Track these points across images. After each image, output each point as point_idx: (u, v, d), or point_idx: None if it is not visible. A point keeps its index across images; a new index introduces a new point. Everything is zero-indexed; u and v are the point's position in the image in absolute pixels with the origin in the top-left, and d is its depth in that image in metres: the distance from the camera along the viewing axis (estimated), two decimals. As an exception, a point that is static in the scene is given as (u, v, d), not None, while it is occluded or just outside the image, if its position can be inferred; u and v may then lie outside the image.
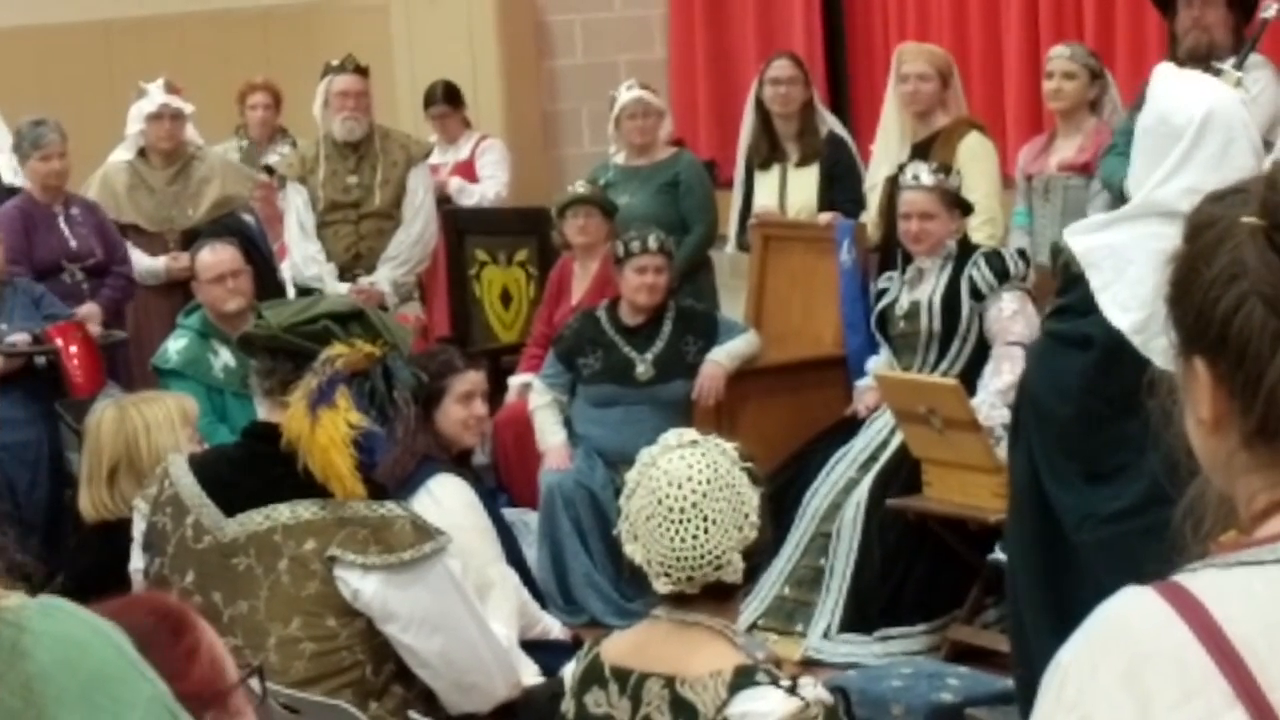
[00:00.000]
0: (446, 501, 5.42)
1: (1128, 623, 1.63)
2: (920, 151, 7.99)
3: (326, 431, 3.96)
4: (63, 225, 8.73)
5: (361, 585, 4.01)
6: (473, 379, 5.80)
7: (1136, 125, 5.00)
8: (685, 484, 3.31)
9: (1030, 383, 5.34)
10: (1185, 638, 1.59)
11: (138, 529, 4.27)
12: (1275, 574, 1.62)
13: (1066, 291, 5.18)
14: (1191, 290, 1.68)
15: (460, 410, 5.70)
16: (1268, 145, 6.92)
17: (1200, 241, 1.69)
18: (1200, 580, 1.63)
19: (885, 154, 8.29)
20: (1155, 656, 1.59)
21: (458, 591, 4.14)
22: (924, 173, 7.39)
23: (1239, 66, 7.17)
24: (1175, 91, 4.99)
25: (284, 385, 4.09)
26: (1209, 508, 1.73)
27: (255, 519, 4.07)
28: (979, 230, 7.67)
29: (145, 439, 5.14)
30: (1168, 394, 1.74)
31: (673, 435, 3.39)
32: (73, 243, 8.70)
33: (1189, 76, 5.21)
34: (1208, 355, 1.67)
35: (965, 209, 7.45)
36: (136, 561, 4.28)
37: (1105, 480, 5.00)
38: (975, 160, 7.89)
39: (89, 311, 8.50)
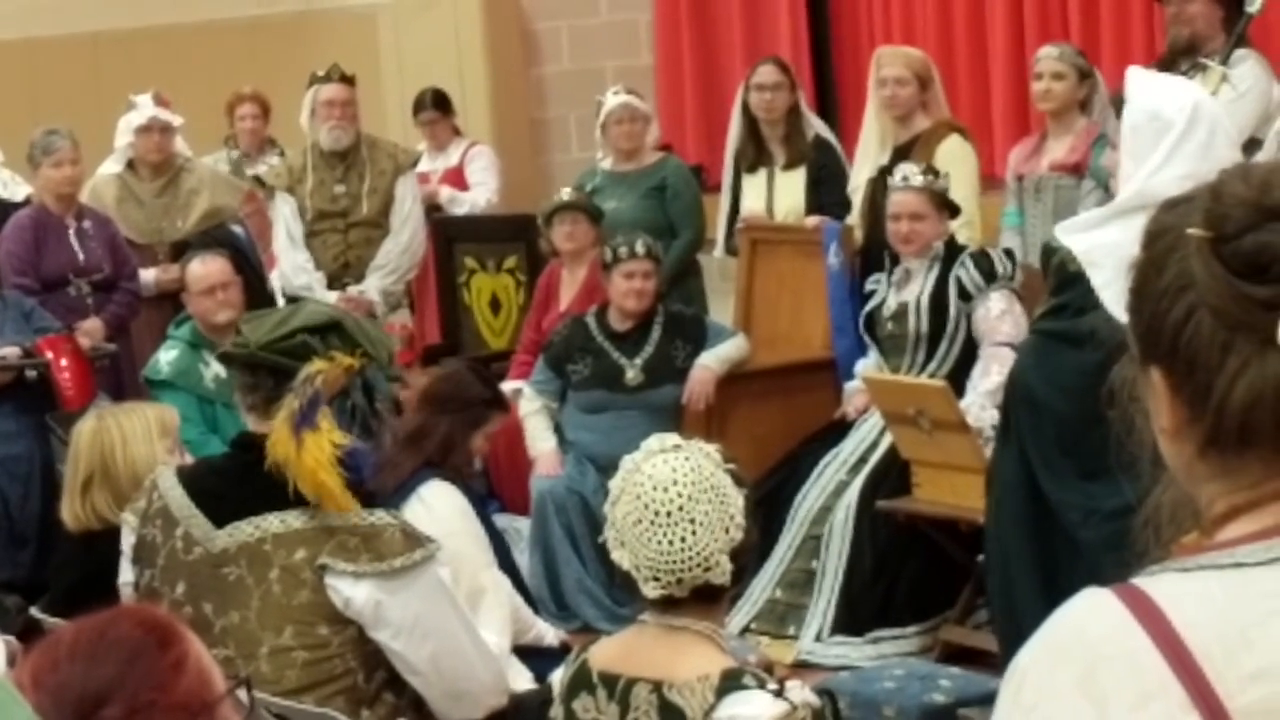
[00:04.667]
0: (438, 508, 5.44)
1: (1085, 626, 1.63)
2: (901, 154, 8.01)
3: (312, 454, 3.96)
4: (72, 238, 8.75)
5: (353, 593, 4.02)
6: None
7: (1123, 126, 5.03)
8: (671, 488, 3.33)
9: (1026, 381, 5.35)
10: (1142, 643, 1.59)
11: (127, 542, 4.27)
12: (1233, 579, 1.62)
13: (1062, 290, 5.20)
14: (1144, 300, 1.70)
15: (483, 444, 5.94)
16: (1258, 141, 6.95)
17: (1153, 250, 1.70)
18: (1160, 584, 1.63)
19: (866, 157, 8.31)
20: (1112, 660, 1.59)
21: (448, 598, 4.15)
22: (914, 174, 7.41)
23: (1224, 61, 7.20)
24: (1160, 87, 5.05)
25: (267, 401, 4.11)
26: (1166, 514, 1.74)
27: (245, 529, 4.08)
28: (958, 233, 7.68)
29: (121, 451, 5.15)
30: (1129, 400, 1.75)
31: (655, 440, 3.41)
32: (81, 256, 8.72)
33: (1165, 76, 5.27)
34: (1162, 365, 1.68)
35: (953, 210, 7.47)
36: (126, 575, 4.29)
37: (1105, 476, 5.02)
38: (954, 163, 7.90)
39: (91, 326, 8.51)
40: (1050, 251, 5.35)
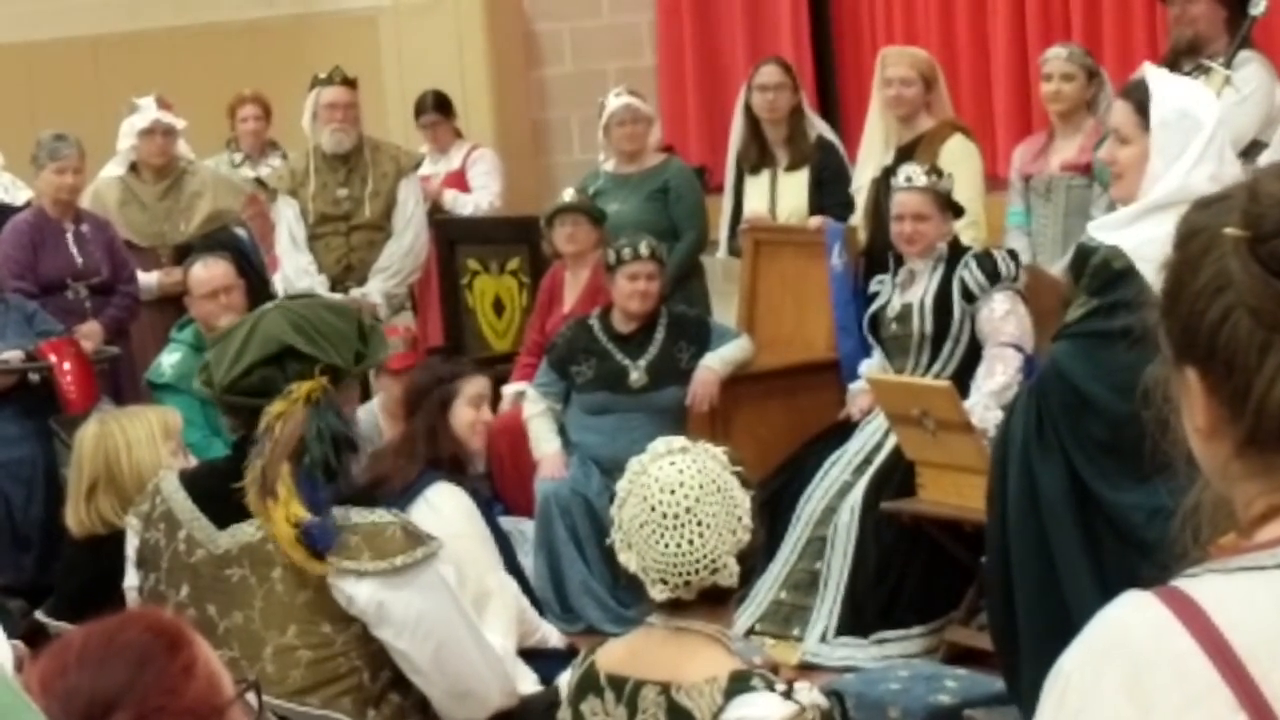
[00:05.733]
0: (444, 510, 5.44)
1: (1129, 630, 1.63)
2: (905, 154, 8.01)
3: (276, 526, 3.99)
4: (70, 242, 8.75)
5: (355, 591, 4.02)
6: (482, 383, 5.94)
7: (1152, 122, 5.02)
8: (678, 490, 3.32)
9: (1072, 385, 5.30)
10: (1188, 646, 1.59)
11: (131, 546, 4.28)
12: (1275, 579, 1.62)
13: (1107, 290, 5.17)
14: (1180, 301, 1.68)
15: (469, 412, 5.82)
16: (1261, 144, 6.95)
17: (1187, 251, 1.69)
18: (1202, 586, 1.63)
19: (870, 157, 8.31)
20: (1157, 664, 1.59)
21: (450, 596, 4.15)
22: (917, 174, 7.40)
23: (1228, 64, 7.20)
24: (1185, 86, 5.08)
25: (249, 427, 4.11)
26: (1205, 515, 1.73)
27: (247, 530, 4.08)
28: (963, 233, 7.68)
29: (126, 455, 5.15)
30: (1163, 401, 1.74)
31: (662, 443, 3.41)
32: (79, 260, 8.72)
33: (1178, 75, 5.29)
34: (1198, 365, 1.68)
35: (957, 211, 7.46)
36: (131, 579, 4.29)
37: (1164, 474, 4.97)
38: (958, 163, 7.89)
39: (90, 330, 8.52)
40: (1088, 251, 5.31)
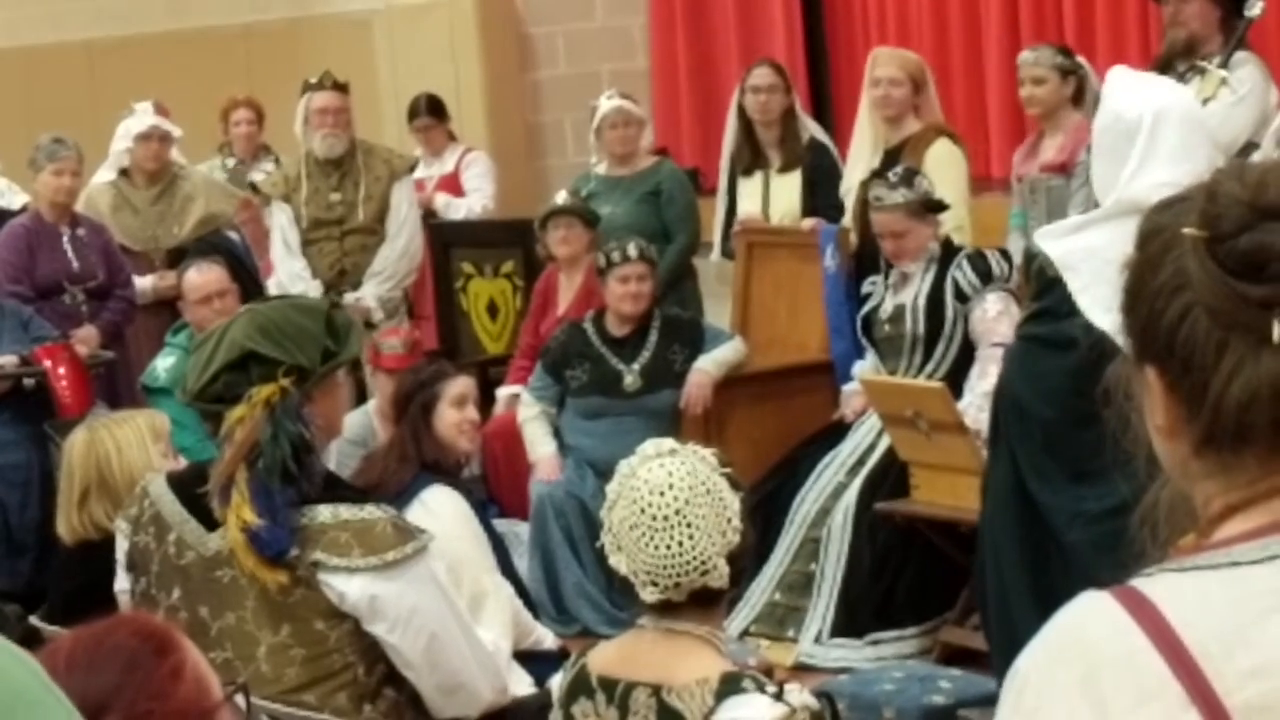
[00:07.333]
0: (440, 513, 5.44)
1: (1084, 629, 1.64)
2: (892, 157, 8.00)
3: (230, 531, 4.03)
4: (67, 246, 8.75)
5: (347, 588, 4.03)
6: (464, 383, 5.93)
7: (1094, 127, 5.05)
8: (667, 492, 3.33)
9: (1011, 386, 5.38)
10: (1141, 643, 1.60)
11: (120, 550, 4.29)
12: (1230, 577, 1.63)
13: (1042, 295, 5.22)
14: (1140, 300, 1.70)
15: (454, 414, 5.80)
16: (1254, 145, 6.96)
17: (1148, 250, 1.71)
18: (1157, 585, 1.64)
19: (859, 158, 8.31)
20: (1111, 662, 1.60)
21: (441, 591, 4.16)
22: (884, 191, 7.39)
23: (1224, 64, 7.21)
24: (1126, 89, 5.06)
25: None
26: (1163, 513, 1.75)
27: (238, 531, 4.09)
28: (949, 236, 7.67)
29: (117, 460, 5.15)
30: (1124, 400, 1.75)
31: (651, 445, 3.42)
32: (75, 264, 8.72)
33: (1141, 76, 5.29)
34: (1157, 364, 1.69)
35: (938, 208, 7.45)
36: (122, 582, 4.30)
37: (1091, 479, 5.04)
38: (942, 167, 7.89)
39: (86, 334, 8.51)
40: (1030, 257, 5.38)
